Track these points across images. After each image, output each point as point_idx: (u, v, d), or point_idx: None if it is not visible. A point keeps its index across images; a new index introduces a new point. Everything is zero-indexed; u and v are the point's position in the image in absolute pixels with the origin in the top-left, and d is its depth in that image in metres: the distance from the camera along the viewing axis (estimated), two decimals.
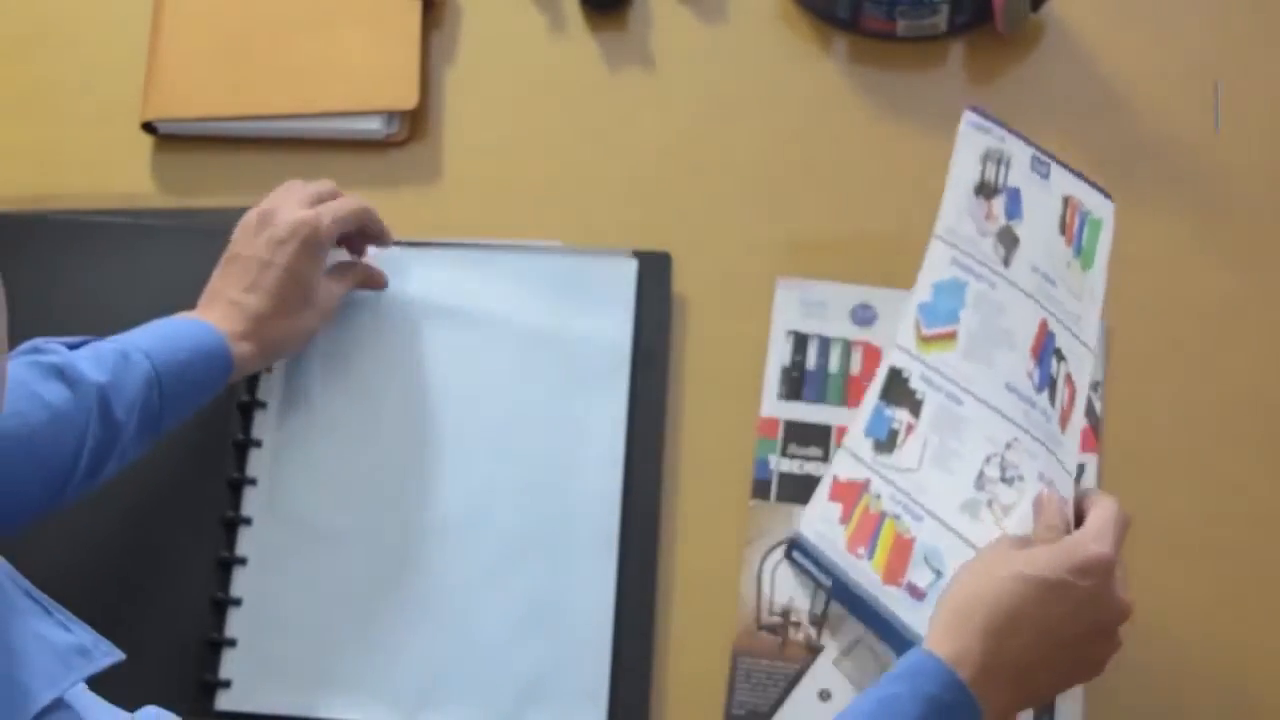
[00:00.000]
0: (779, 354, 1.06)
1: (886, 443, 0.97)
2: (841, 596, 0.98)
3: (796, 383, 1.05)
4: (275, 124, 1.15)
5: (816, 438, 1.04)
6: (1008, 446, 0.91)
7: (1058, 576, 0.80)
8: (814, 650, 0.99)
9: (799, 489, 1.02)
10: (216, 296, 0.99)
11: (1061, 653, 0.81)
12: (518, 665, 0.98)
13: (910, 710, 0.78)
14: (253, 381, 1.05)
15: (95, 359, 0.90)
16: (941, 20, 1.14)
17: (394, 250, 1.08)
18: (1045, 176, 0.91)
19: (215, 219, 1.08)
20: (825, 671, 0.98)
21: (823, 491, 1.00)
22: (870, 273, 1.08)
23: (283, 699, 0.99)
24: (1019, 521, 0.89)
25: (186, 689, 0.98)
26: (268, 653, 1.00)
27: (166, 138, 1.15)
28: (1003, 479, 0.91)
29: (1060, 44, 1.15)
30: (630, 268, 1.07)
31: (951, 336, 0.94)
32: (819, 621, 0.99)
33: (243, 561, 1.02)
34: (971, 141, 0.93)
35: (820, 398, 1.05)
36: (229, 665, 1.00)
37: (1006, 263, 0.91)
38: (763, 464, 1.04)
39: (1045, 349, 0.89)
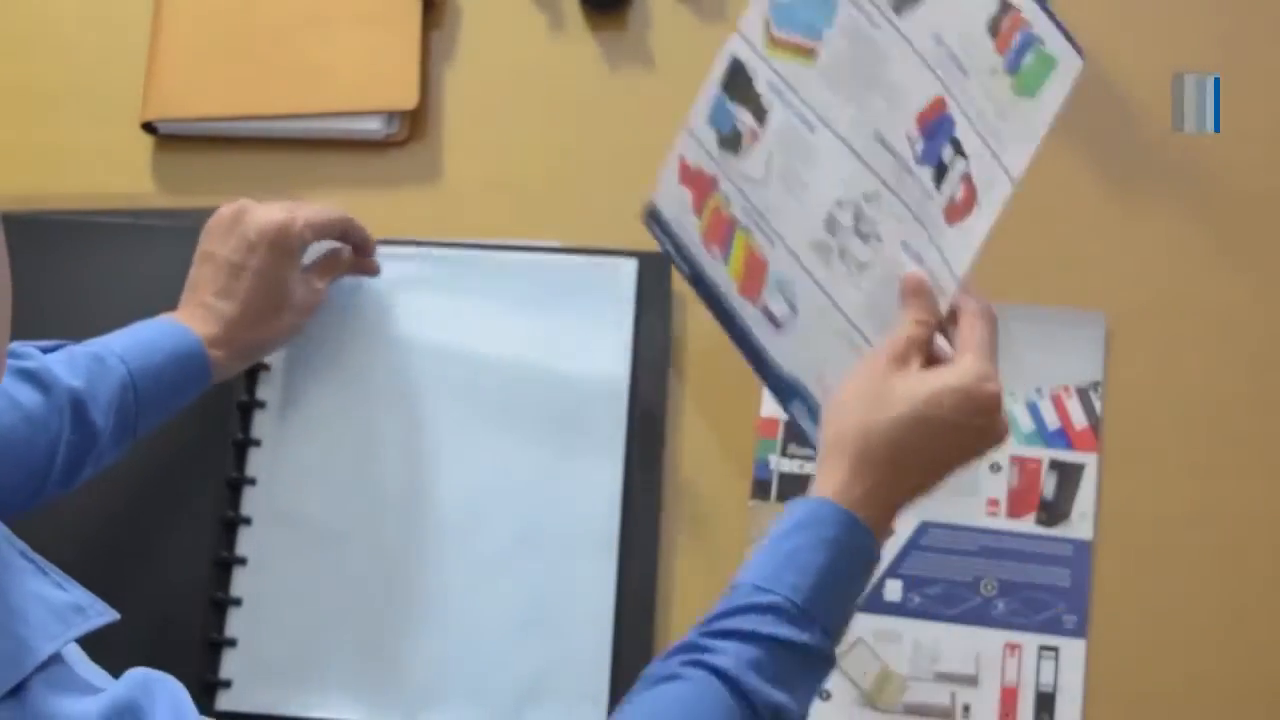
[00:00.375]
0: None
1: (730, 140, 0.95)
2: (703, 292, 0.99)
3: None
4: (275, 124, 1.15)
5: None
6: (866, 198, 0.89)
7: (956, 419, 0.80)
8: None
9: (799, 489, 1.02)
10: (192, 297, 0.98)
11: (949, 471, 0.83)
12: (518, 666, 0.98)
13: (814, 560, 0.77)
14: (252, 381, 1.05)
15: (69, 363, 0.90)
16: None
17: (394, 249, 1.08)
18: None
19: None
20: None
21: (671, 170, 0.98)
22: None
23: (283, 699, 0.99)
24: (875, 286, 0.88)
25: (187, 689, 0.98)
26: (268, 653, 1.00)
27: (166, 138, 1.15)
28: (857, 231, 0.90)
29: None
30: (630, 268, 1.07)
31: (809, 52, 0.91)
32: None
33: (242, 561, 1.02)
34: None
35: None
36: (229, 665, 1.00)
37: (898, 10, 0.87)
38: (763, 464, 1.04)
39: (938, 128, 0.86)
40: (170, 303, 0.99)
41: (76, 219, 1.11)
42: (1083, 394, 1.04)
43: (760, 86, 0.93)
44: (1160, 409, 1.04)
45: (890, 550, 1.01)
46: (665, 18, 1.18)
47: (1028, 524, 1.01)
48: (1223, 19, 1.15)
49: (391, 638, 1.00)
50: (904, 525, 1.01)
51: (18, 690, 0.52)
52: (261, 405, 1.05)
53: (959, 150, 0.86)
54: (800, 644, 0.75)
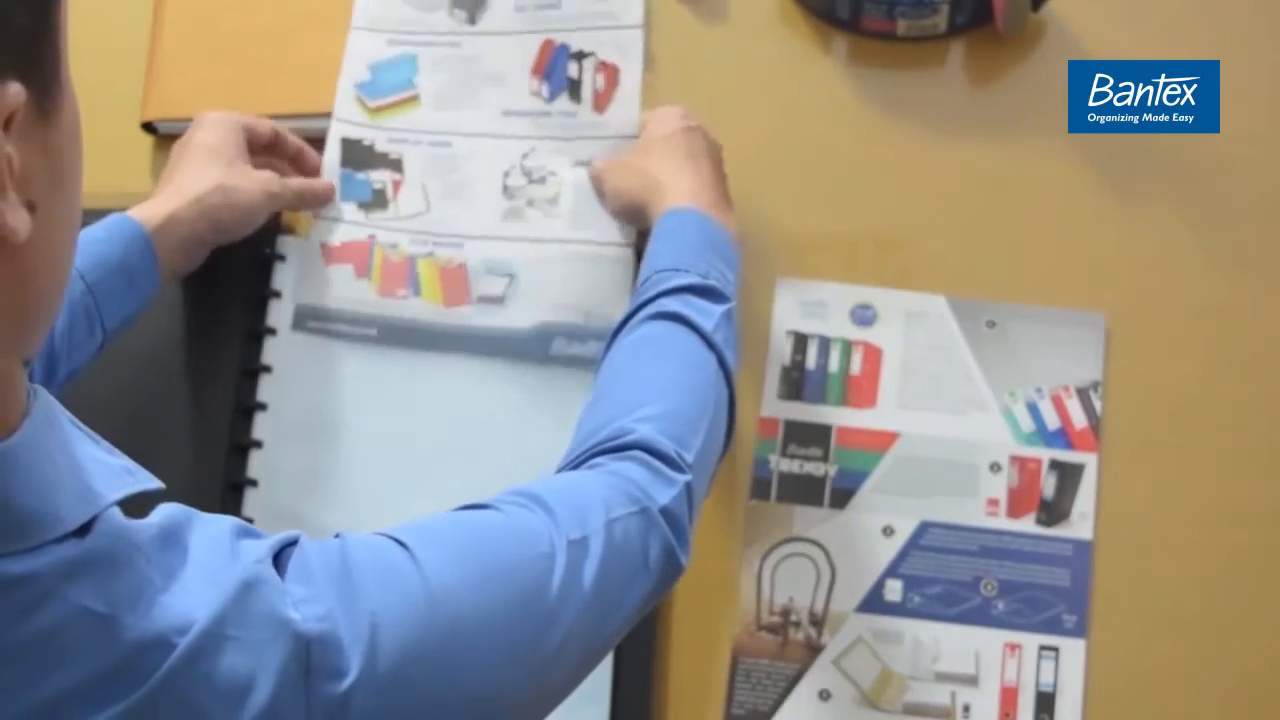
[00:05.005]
0: (779, 354, 1.06)
1: (376, 200, 1.08)
2: (399, 339, 1.05)
3: (796, 383, 1.05)
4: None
5: (816, 438, 1.04)
6: (524, 156, 1.07)
7: (672, 129, 1.01)
8: (814, 650, 0.99)
9: (799, 489, 1.02)
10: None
11: (709, 156, 1.01)
12: None
13: (691, 242, 0.93)
14: (253, 383, 1.05)
15: None
16: (941, 20, 1.14)
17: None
18: None
19: None
20: (825, 671, 0.99)
21: (313, 264, 1.07)
22: (870, 273, 1.08)
23: None
24: (570, 205, 1.05)
25: None
26: None
27: (166, 138, 1.15)
28: (532, 181, 1.06)
29: (1060, 44, 1.15)
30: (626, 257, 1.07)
31: (411, 100, 1.09)
32: (819, 621, 1.00)
33: None
34: None
35: (820, 398, 1.05)
36: None
37: (473, 20, 1.09)
38: (763, 464, 1.04)
39: (554, 64, 1.07)
40: (169, 302, 0.99)
41: None
42: (1083, 394, 1.04)
43: (383, 147, 1.09)
44: (1160, 409, 1.04)
45: (890, 550, 1.01)
46: (665, 18, 1.18)
47: (1028, 524, 1.01)
48: (1223, 17, 1.15)
49: None
50: (904, 525, 1.01)
51: (89, 526, 0.56)
52: (263, 408, 1.05)
53: (580, 57, 1.07)
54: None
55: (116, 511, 0.59)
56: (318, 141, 1.14)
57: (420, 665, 0.61)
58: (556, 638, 0.67)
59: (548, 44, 1.08)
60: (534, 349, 1.03)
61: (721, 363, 0.88)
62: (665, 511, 0.77)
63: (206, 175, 1.01)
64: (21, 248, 0.53)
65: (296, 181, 1.07)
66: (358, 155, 1.09)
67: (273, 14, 1.17)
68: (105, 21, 1.20)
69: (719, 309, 0.89)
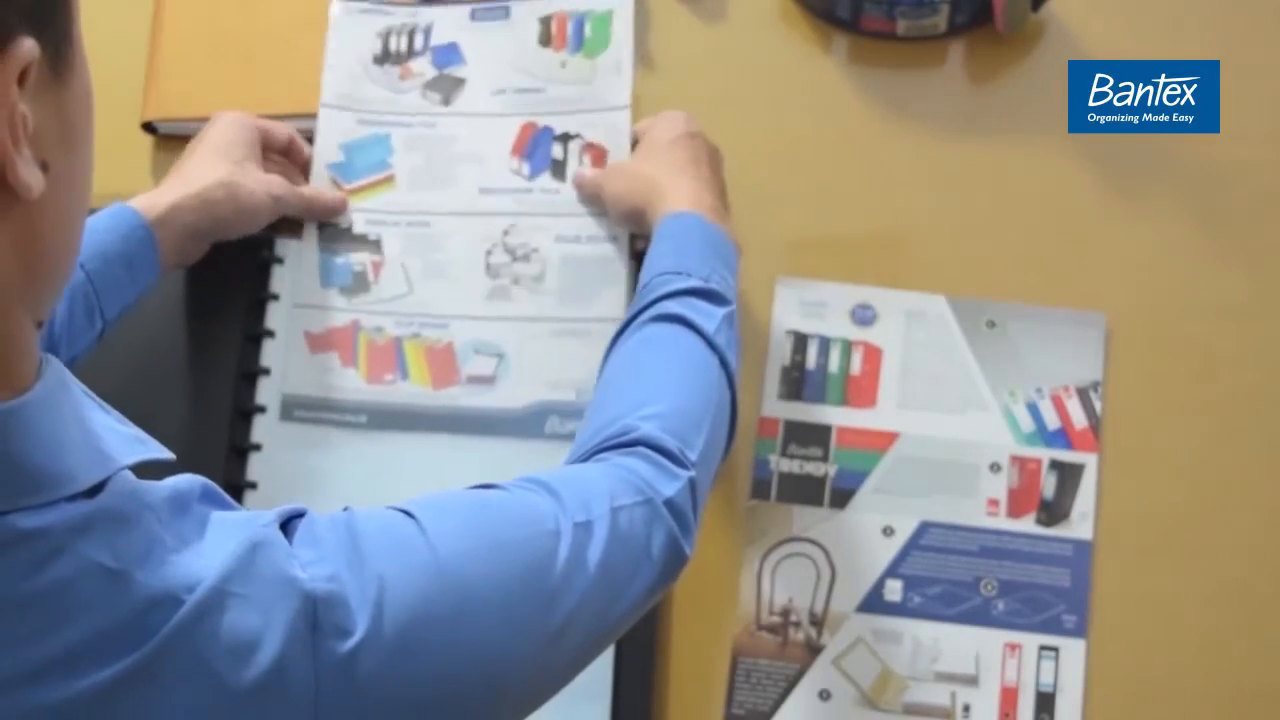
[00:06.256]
0: (779, 354, 1.06)
1: (357, 283, 1.07)
2: (389, 424, 1.03)
3: (796, 383, 1.05)
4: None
5: (816, 438, 1.04)
6: (505, 233, 1.06)
7: (676, 134, 1.02)
8: (814, 650, 0.99)
9: (799, 489, 1.02)
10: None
11: (709, 163, 1.01)
12: None
13: (693, 247, 0.93)
14: (252, 386, 1.05)
15: None
16: (941, 20, 1.14)
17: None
18: (505, 17, 1.12)
19: None
20: (825, 671, 0.99)
21: (297, 354, 1.05)
22: (870, 273, 1.08)
23: None
24: (558, 281, 1.05)
25: None
26: None
27: (166, 138, 1.15)
28: (516, 259, 1.06)
29: (1060, 44, 1.15)
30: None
31: (386, 180, 1.09)
32: (819, 621, 1.00)
33: None
34: (351, 25, 1.12)
35: (820, 398, 1.05)
36: None
37: (448, 102, 1.10)
38: (763, 464, 1.04)
39: (536, 144, 1.08)
40: (169, 302, 0.99)
41: None
42: (1083, 394, 1.04)
43: (361, 229, 1.08)
44: (1160, 409, 1.04)
45: (890, 550, 1.01)
46: (665, 18, 1.18)
47: (1028, 524, 1.01)
48: (1223, 17, 1.15)
49: None
50: (904, 525, 1.01)
51: (101, 487, 0.57)
52: (262, 410, 1.05)
53: (566, 139, 1.08)
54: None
55: (128, 474, 0.59)
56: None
57: (427, 630, 0.62)
58: (561, 615, 0.68)
59: (528, 126, 1.09)
60: (528, 429, 1.02)
61: (723, 364, 0.88)
62: (669, 503, 0.78)
63: (212, 170, 1.01)
64: (34, 206, 0.54)
65: (307, 189, 1.08)
66: (337, 239, 1.08)
67: (273, 14, 1.17)
68: (105, 21, 1.20)
69: (721, 311, 0.90)
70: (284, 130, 1.08)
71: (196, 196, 1.00)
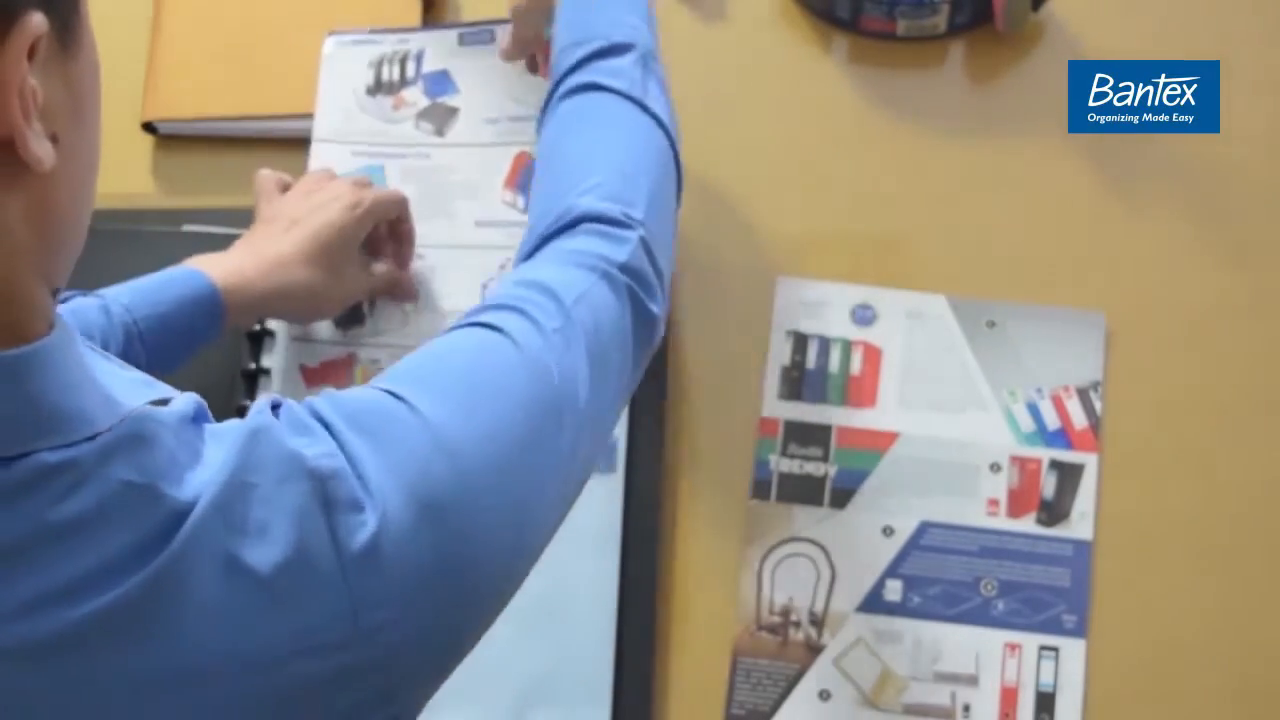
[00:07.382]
0: (779, 354, 1.06)
1: (352, 318, 1.06)
2: None
3: (796, 383, 1.05)
4: (275, 124, 1.15)
5: (816, 438, 1.04)
6: (501, 266, 1.06)
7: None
8: (814, 650, 0.99)
9: (799, 489, 1.02)
10: (236, 246, 1.00)
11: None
12: (521, 666, 0.98)
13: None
14: (252, 389, 1.05)
15: (72, 312, 0.91)
16: (941, 20, 1.14)
17: None
18: (490, 40, 1.12)
19: (215, 219, 1.08)
20: (825, 671, 0.99)
21: (293, 389, 1.04)
22: (870, 273, 1.08)
23: None
24: None
25: None
26: None
27: (166, 138, 1.15)
28: None
29: (1060, 44, 1.15)
30: None
31: None
32: (819, 621, 1.00)
33: None
34: (344, 59, 1.12)
35: (820, 398, 1.05)
36: None
37: (441, 133, 1.10)
38: (763, 464, 1.04)
39: (529, 174, 1.06)
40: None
41: None
42: (1083, 394, 1.04)
43: None
44: (1160, 409, 1.04)
45: (890, 550, 1.01)
46: (665, 18, 1.17)
47: (1028, 524, 1.01)
48: (1223, 17, 1.15)
49: None
50: (904, 525, 1.01)
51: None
52: None
53: None
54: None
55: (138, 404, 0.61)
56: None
57: (440, 493, 0.62)
58: (570, 433, 0.69)
59: (521, 156, 1.09)
60: None
61: (643, 108, 0.88)
62: (625, 268, 0.79)
63: (306, 273, 0.99)
64: (45, 179, 0.55)
65: (388, 274, 1.05)
66: None
67: (273, 14, 1.17)
68: (105, 21, 1.19)
69: (625, 60, 0.89)
70: (396, 205, 1.04)
71: (278, 295, 0.98)
